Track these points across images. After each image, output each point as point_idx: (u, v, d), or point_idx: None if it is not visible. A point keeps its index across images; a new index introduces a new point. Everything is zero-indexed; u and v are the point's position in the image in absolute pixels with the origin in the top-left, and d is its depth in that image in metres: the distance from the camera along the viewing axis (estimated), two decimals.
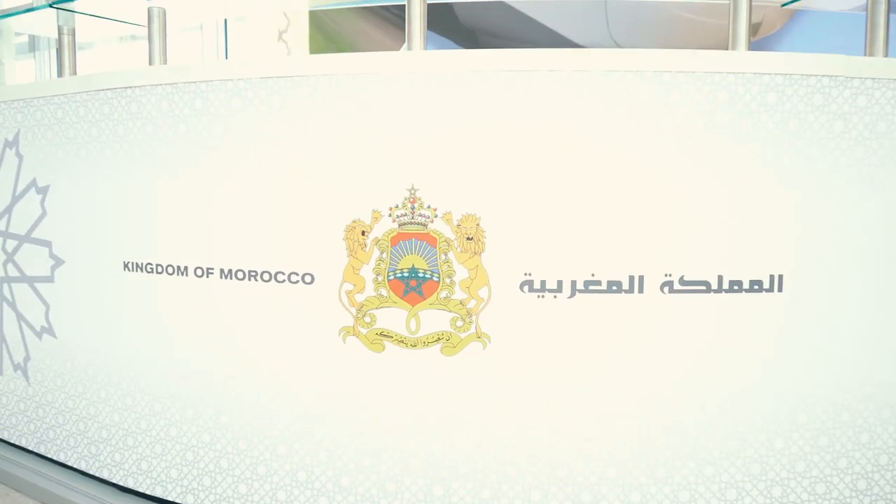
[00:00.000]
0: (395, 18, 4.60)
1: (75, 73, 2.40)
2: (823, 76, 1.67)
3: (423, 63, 1.72)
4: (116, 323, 2.12)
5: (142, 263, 2.04)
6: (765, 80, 1.66)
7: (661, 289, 1.71)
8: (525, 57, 1.66)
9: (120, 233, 2.08)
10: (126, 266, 2.07)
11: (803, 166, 1.68)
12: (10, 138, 2.32)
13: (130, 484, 2.16)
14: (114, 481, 2.20)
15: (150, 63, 2.16)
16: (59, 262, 2.26)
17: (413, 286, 1.75)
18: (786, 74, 1.66)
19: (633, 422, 1.76)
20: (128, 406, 2.12)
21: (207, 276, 1.94)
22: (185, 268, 1.97)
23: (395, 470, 1.84)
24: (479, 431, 1.79)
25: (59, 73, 2.35)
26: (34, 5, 2.27)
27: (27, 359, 2.40)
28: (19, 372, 2.44)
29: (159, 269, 2.01)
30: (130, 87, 1.98)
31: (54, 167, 2.22)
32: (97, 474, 2.24)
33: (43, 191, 2.26)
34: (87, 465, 2.26)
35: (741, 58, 1.67)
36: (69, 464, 2.32)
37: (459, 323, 1.75)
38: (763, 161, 1.68)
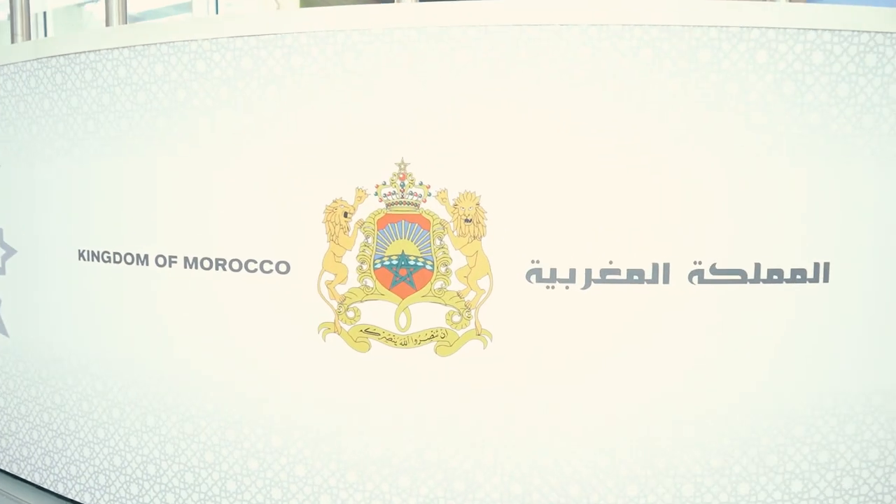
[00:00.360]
0: None
1: (29, 39, 2.17)
2: (877, 33, 1.44)
3: (415, 17, 1.48)
4: (72, 319, 1.89)
5: (98, 252, 1.80)
6: (810, 38, 1.43)
7: (690, 278, 1.48)
8: (534, 9, 1.43)
9: (75, 218, 1.85)
10: (81, 255, 1.84)
11: (854, 136, 1.45)
12: None
13: (87, 500, 1.92)
14: (69, 496, 1.96)
15: (108, 24, 1.93)
16: (10, 251, 2.02)
17: (403, 276, 1.52)
18: (834, 31, 1.44)
19: (655, 433, 1.53)
20: (84, 412, 1.89)
21: (170, 266, 1.70)
22: (146, 256, 1.73)
23: (382, 487, 1.61)
24: (480, 441, 1.56)
25: (12, 40, 2.11)
26: None
27: None
28: None
29: (117, 259, 1.77)
30: (84, 53, 1.75)
31: (4, 145, 1.98)
32: (52, 489, 2.00)
33: None
34: (41, 478, 2.03)
35: (783, 9, 1.44)
36: (22, 476, 2.08)
37: (456, 318, 1.51)
38: (807, 130, 1.45)
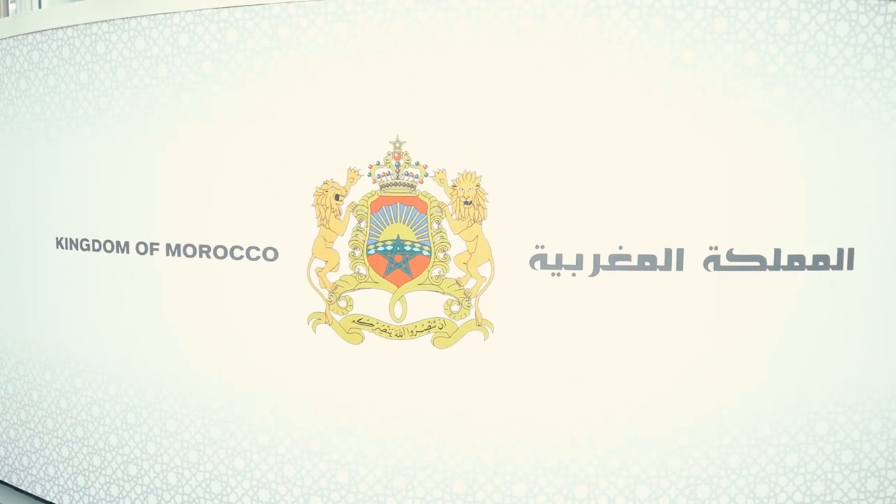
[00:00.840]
0: None
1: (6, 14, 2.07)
2: None
3: None
4: (49, 311, 1.79)
5: (76, 240, 1.70)
6: (834, 7, 1.34)
7: (705, 265, 1.38)
8: None
9: (53, 204, 1.75)
10: (59, 243, 1.74)
11: (881, 111, 1.36)
12: None
13: (65, 502, 1.82)
14: (47, 498, 1.86)
15: None
16: None
17: (398, 262, 1.42)
18: None
19: (668, 431, 1.43)
20: (62, 410, 1.79)
21: (151, 253, 1.61)
22: (126, 244, 1.63)
23: (376, 488, 1.51)
24: (481, 440, 1.46)
25: None
26: None
27: None
28: None
29: (97, 246, 1.68)
30: (62, 28, 1.65)
31: None
32: (29, 490, 1.90)
33: None
34: (18, 479, 1.92)
35: None
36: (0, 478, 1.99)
37: (455, 307, 1.42)
38: (831, 105, 1.35)
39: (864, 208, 1.38)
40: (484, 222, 1.39)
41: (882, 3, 1.34)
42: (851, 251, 1.39)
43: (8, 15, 2.05)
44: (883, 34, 1.35)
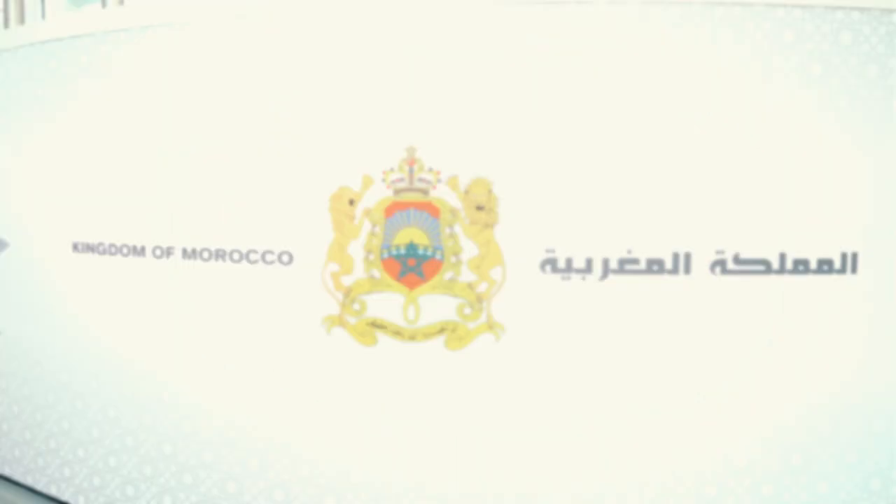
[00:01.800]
0: None
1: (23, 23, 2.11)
2: None
3: None
4: (66, 313, 1.82)
5: (94, 244, 1.74)
6: (838, 17, 1.38)
7: (712, 269, 1.41)
8: None
9: (70, 209, 1.78)
10: (76, 247, 1.77)
11: (884, 119, 1.39)
12: None
13: (81, 502, 1.85)
14: (63, 499, 1.89)
15: (104, 6, 1.87)
16: (1, 245, 1.95)
17: (411, 266, 1.45)
18: (863, 9, 1.38)
19: (675, 433, 1.46)
20: (77, 411, 1.82)
21: (168, 257, 1.64)
22: (143, 248, 1.66)
23: (391, 488, 1.53)
24: (492, 441, 1.49)
25: (6, 24, 2.04)
26: None
27: None
28: None
29: (113, 250, 1.71)
30: (79, 37, 1.69)
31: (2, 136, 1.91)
32: (45, 491, 1.93)
33: None
34: (33, 479, 1.95)
35: None
36: (14, 478, 2.01)
37: (468, 310, 1.45)
38: (835, 113, 1.38)
39: (867, 213, 1.41)
40: (496, 227, 1.42)
41: (885, 13, 1.38)
42: (855, 255, 1.42)
43: (23, 23, 2.08)
44: (886, 43, 1.38)
